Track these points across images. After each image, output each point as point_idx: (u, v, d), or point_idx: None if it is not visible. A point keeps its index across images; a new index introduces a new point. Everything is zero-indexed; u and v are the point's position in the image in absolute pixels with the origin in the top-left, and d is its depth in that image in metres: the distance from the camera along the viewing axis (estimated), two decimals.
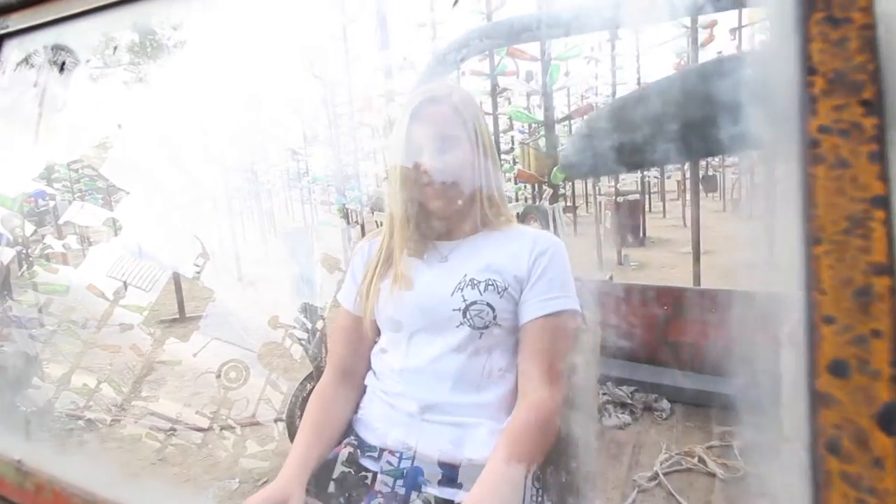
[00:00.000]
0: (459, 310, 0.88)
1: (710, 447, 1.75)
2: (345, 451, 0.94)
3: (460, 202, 0.93)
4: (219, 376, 3.05)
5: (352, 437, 0.96)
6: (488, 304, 0.88)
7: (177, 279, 5.07)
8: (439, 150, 0.90)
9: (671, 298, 2.24)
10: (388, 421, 0.93)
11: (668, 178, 10.57)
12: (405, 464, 0.89)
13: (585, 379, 1.05)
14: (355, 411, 1.00)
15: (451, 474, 0.87)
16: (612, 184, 6.15)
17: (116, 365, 3.72)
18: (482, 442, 0.87)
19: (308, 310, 2.31)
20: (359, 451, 0.93)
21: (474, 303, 0.88)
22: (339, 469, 0.92)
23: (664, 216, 10.54)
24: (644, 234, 7.25)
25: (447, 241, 0.97)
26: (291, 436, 2.24)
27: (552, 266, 0.90)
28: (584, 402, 1.04)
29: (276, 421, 2.94)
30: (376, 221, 9.92)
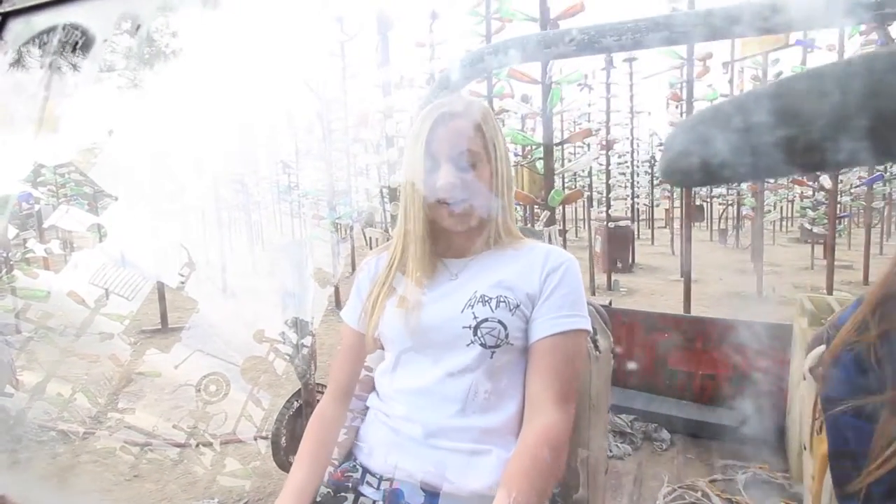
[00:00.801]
0: (470, 327, 0.84)
1: (712, 481, 1.71)
2: (343, 478, 0.89)
3: (476, 221, 0.90)
4: (199, 390, 2.96)
5: (351, 462, 0.92)
6: (500, 322, 0.84)
7: (160, 289, 4.96)
8: (457, 167, 0.87)
9: (671, 326, 2.22)
10: (390, 446, 0.87)
11: (657, 206, 10.72)
12: (405, 492, 0.84)
13: (597, 408, 1.01)
14: (356, 434, 0.95)
15: None
16: (604, 209, 6.19)
17: (94, 375, 3.60)
18: (490, 471, 0.82)
19: (298, 324, 2.24)
20: (358, 477, 0.89)
21: (485, 320, 0.84)
22: (337, 499, 0.87)
23: (652, 243, 10.66)
24: (633, 260, 7.29)
25: (458, 259, 0.93)
26: (276, 454, 2.16)
27: (564, 283, 0.87)
28: (596, 432, 1.00)
29: (255, 438, 2.85)
30: (366, 237, 9.88)
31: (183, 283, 3.67)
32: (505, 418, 0.85)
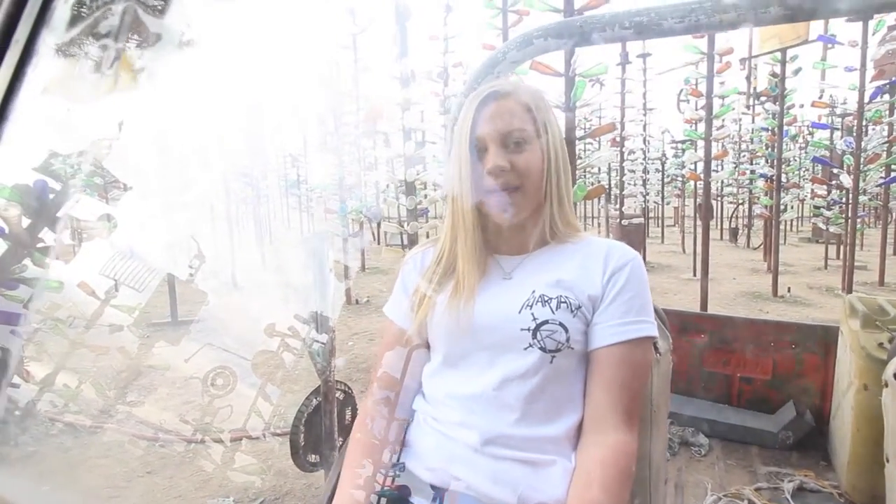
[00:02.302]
0: (529, 329, 0.78)
1: (758, 489, 1.64)
2: (392, 488, 0.82)
3: (527, 211, 0.83)
4: (208, 383, 2.91)
5: (398, 470, 0.85)
6: (561, 324, 0.77)
7: (171, 281, 4.92)
8: (505, 148, 0.81)
9: (708, 326, 2.15)
10: (444, 455, 0.81)
11: (668, 204, 10.63)
12: None
13: (658, 415, 0.95)
14: (402, 440, 0.89)
15: None
16: (618, 206, 6.11)
17: (102, 367, 3.56)
18: (557, 483, 0.76)
19: (319, 320, 2.18)
20: (409, 487, 0.82)
21: (546, 322, 0.77)
22: None
23: (662, 242, 10.58)
24: (645, 258, 7.22)
25: (511, 256, 0.87)
26: (295, 454, 2.11)
27: (630, 285, 0.80)
28: (656, 441, 0.94)
29: (264, 434, 2.81)
30: (374, 232, 9.82)
31: (192, 275, 3.63)
32: (566, 428, 0.79)
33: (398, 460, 0.86)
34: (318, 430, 2.17)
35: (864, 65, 4.16)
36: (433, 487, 0.81)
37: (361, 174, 6.79)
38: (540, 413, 0.78)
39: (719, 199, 10.69)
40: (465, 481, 0.78)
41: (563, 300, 0.79)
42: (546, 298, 0.79)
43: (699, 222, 8.61)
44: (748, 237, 9.67)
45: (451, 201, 0.87)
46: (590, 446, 0.77)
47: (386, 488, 0.83)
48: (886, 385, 1.02)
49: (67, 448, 2.75)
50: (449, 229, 0.88)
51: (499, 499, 0.76)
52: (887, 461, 1.06)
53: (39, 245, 2.79)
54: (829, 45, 5.44)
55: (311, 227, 10.34)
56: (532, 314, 0.78)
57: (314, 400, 2.21)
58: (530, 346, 0.78)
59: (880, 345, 1.54)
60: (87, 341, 3.28)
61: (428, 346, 0.89)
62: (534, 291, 0.80)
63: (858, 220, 6.23)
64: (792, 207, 8.29)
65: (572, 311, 0.78)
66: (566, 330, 0.77)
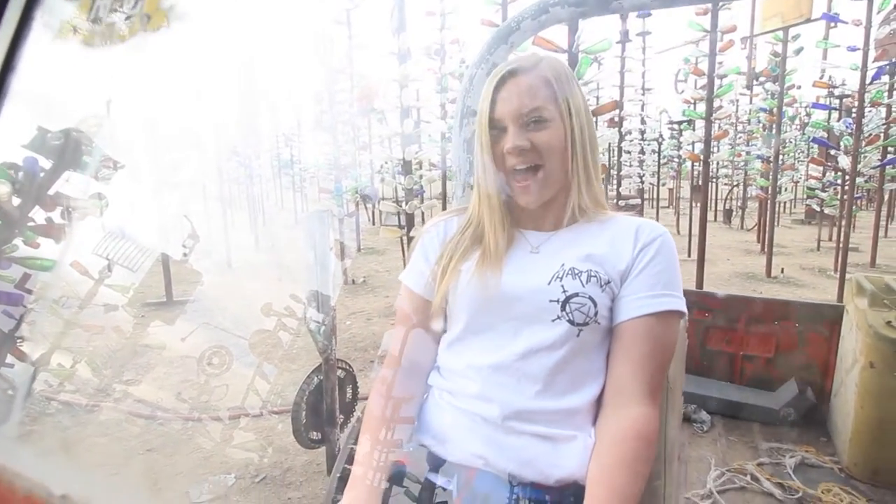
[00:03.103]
0: (558, 301, 0.76)
1: (760, 464, 1.66)
2: (408, 464, 0.81)
3: (552, 191, 0.81)
4: (205, 362, 2.90)
5: (413, 445, 0.84)
6: (591, 298, 0.76)
7: (165, 261, 4.86)
8: (524, 127, 0.78)
9: (711, 304, 2.15)
10: (462, 430, 0.79)
11: (663, 184, 10.62)
12: (484, 482, 0.76)
13: (673, 392, 0.94)
14: (418, 414, 0.87)
15: (538, 496, 0.75)
16: (615, 187, 6.09)
17: (97, 347, 3.54)
18: (577, 458, 0.75)
19: (319, 299, 2.16)
20: (426, 463, 0.81)
21: (576, 294, 0.76)
22: (403, 486, 0.80)
23: (657, 223, 10.59)
24: None
25: (538, 232, 0.85)
26: (297, 431, 2.10)
27: (659, 259, 0.78)
28: (672, 418, 0.94)
29: (263, 412, 2.81)
30: (368, 210, 9.75)
31: (186, 255, 3.58)
32: (586, 401, 0.78)
33: (414, 436, 0.85)
34: (320, 407, 2.17)
35: (867, 44, 4.12)
36: (451, 464, 0.80)
37: (356, 153, 6.70)
38: (562, 385, 0.77)
39: (714, 180, 10.68)
40: (485, 458, 0.77)
41: (593, 274, 0.77)
42: (576, 272, 0.78)
43: (695, 203, 8.64)
44: (742, 219, 9.70)
45: (476, 181, 0.86)
46: (611, 418, 0.76)
47: (403, 465, 0.82)
48: None
49: (65, 427, 2.73)
50: (476, 205, 0.86)
51: (519, 475, 0.76)
52: None
53: (30, 224, 2.73)
54: (832, 24, 5.37)
55: (305, 207, 10.25)
56: (562, 286, 0.77)
57: (315, 378, 2.20)
58: (558, 318, 0.76)
59: (888, 323, 1.54)
60: (81, 321, 3.25)
61: (445, 318, 0.87)
62: (563, 264, 0.79)
63: (854, 203, 6.25)
64: (786, 189, 8.30)
65: (602, 286, 0.77)
66: (595, 304, 0.76)
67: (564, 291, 0.76)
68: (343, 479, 0.92)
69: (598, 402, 0.79)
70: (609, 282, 0.77)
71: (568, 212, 0.83)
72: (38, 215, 2.88)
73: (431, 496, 0.78)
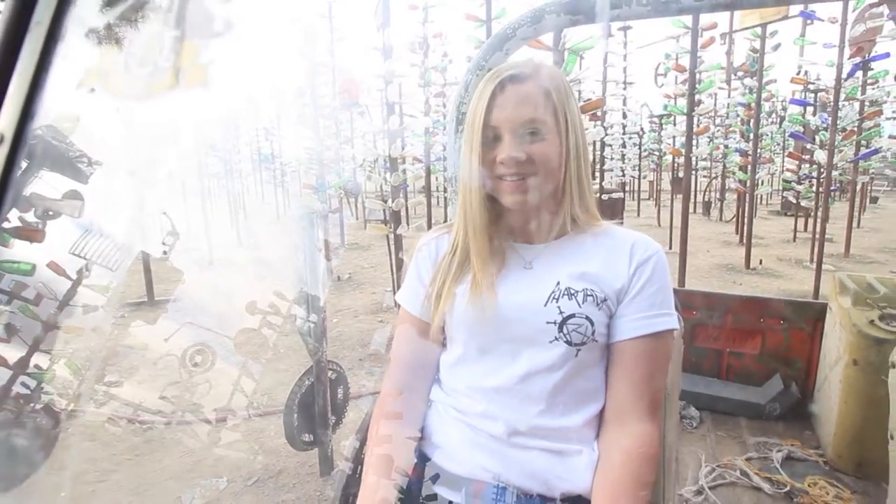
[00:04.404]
0: (555, 323, 0.76)
1: (748, 459, 1.70)
2: (415, 478, 0.81)
3: (542, 198, 0.80)
4: (191, 363, 2.87)
5: (418, 460, 0.84)
6: (587, 318, 0.76)
7: (145, 260, 4.76)
8: (520, 138, 0.77)
9: (698, 303, 2.19)
10: (469, 444, 0.80)
11: (645, 177, 10.75)
12: (492, 494, 0.77)
13: (671, 396, 0.96)
14: (420, 431, 0.87)
15: None
16: (598, 181, 6.14)
17: (77, 348, 3.46)
18: (581, 473, 0.76)
19: (309, 300, 2.14)
20: (433, 478, 0.81)
21: (572, 315, 0.76)
22: (415, 498, 0.80)
23: (638, 215, 10.73)
24: None
25: (530, 245, 0.84)
26: (289, 434, 2.09)
27: (655, 278, 0.79)
28: (670, 421, 0.96)
29: (248, 413, 2.80)
30: (352, 207, 9.69)
31: (167, 252, 3.52)
32: (588, 417, 0.79)
33: (420, 451, 0.85)
34: (312, 410, 2.16)
35: (842, 41, 4.21)
36: (459, 477, 0.80)
37: (339, 148, 6.64)
38: (563, 404, 0.78)
39: (694, 172, 10.85)
40: (493, 471, 0.77)
41: (588, 293, 0.77)
42: (572, 291, 0.78)
43: (676, 196, 8.75)
44: (721, 210, 9.87)
45: (462, 188, 0.84)
46: (614, 436, 0.77)
47: (410, 478, 0.82)
48: (893, 366, 1.06)
49: (50, 431, 2.67)
50: (461, 219, 0.84)
51: (526, 488, 0.76)
52: (892, 438, 1.10)
53: (5, 225, 2.65)
54: (809, 21, 5.48)
55: (287, 202, 10.13)
56: (559, 307, 0.77)
57: (307, 381, 2.19)
58: (556, 339, 0.76)
59: (871, 322, 1.59)
60: (60, 323, 3.17)
61: (444, 336, 0.88)
62: (558, 283, 0.78)
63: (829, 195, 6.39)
64: (764, 182, 8.46)
65: (598, 305, 0.77)
66: (592, 323, 0.76)
67: (561, 313, 0.76)
68: (345, 500, 0.92)
69: (600, 416, 0.80)
70: (605, 300, 0.78)
71: (560, 223, 0.83)
72: (13, 216, 2.79)
73: None
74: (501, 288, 0.80)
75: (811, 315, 2.02)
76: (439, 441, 0.83)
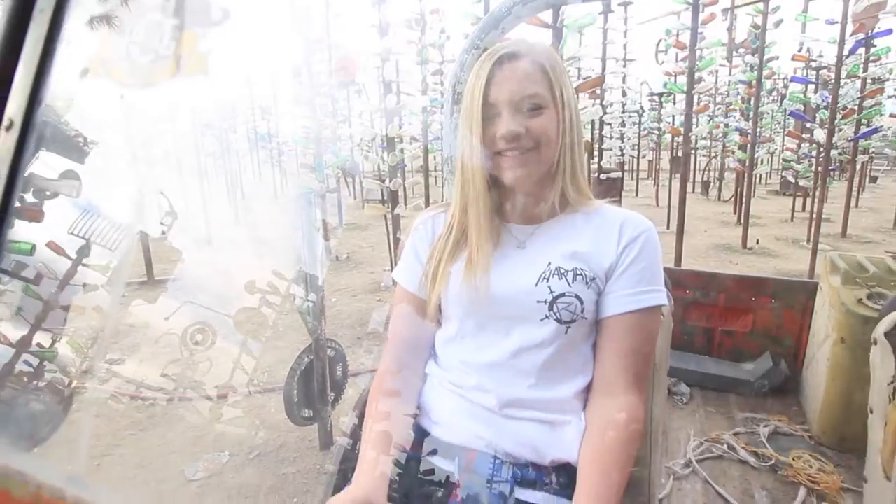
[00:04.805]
0: (545, 302, 0.79)
1: (736, 434, 1.75)
2: (411, 448, 0.85)
3: (540, 175, 0.83)
4: (192, 342, 2.91)
5: (415, 429, 0.87)
6: (577, 297, 0.79)
7: (144, 240, 4.78)
8: (519, 113, 0.79)
9: (691, 281, 2.22)
10: (463, 415, 0.84)
11: (643, 157, 10.69)
12: (485, 462, 0.81)
13: (659, 371, 0.99)
14: (417, 403, 0.91)
15: (535, 475, 0.80)
16: (597, 161, 6.12)
17: (78, 327, 3.50)
18: (570, 441, 0.80)
19: (308, 279, 2.17)
20: (432, 448, 0.85)
21: (562, 295, 0.79)
22: (411, 470, 0.84)
23: (637, 195, 10.71)
24: None
25: (524, 225, 0.87)
26: (290, 411, 2.14)
27: (643, 255, 0.81)
28: (658, 395, 0.99)
29: (249, 389, 2.84)
30: (350, 186, 9.66)
31: (165, 232, 3.53)
32: (577, 390, 0.82)
33: (417, 425, 0.89)
34: (311, 386, 2.21)
35: (845, 18, 4.16)
36: (453, 446, 0.83)
37: (335, 127, 6.60)
38: (553, 378, 0.81)
39: (693, 151, 10.79)
40: (486, 439, 0.81)
41: (578, 272, 0.80)
42: (562, 271, 0.80)
43: (674, 175, 8.71)
44: (719, 190, 9.86)
45: (460, 167, 0.85)
46: (601, 408, 0.80)
47: (406, 449, 0.85)
48: (875, 343, 1.09)
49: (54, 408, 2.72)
50: (459, 197, 0.86)
51: (518, 455, 0.80)
52: (871, 412, 1.14)
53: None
54: None
55: (284, 181, 10.09)
56: (549, 287, 0.79)
57: (306, 358, 2.23)
58: (546, 317, 0.79)
59: (859, 300, 1.62)
60: (61, 301, 3.20)
61: (440, 312, 0.90)
62: (549, 263, 0.81)
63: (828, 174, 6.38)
64: (763, 162, 8.43)
65: (587, 283, 0.80)
66: (581, 301, 0.79)
67: (552, 292, 0.79)
68: (343, 473, 0.95)
69: (588, 389, 0.83)
70: (594, 278, 0.80)
71: (553, 202, 0.85)
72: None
73: (434, 477, 0.82)
74: (495, 268, 0.83)
75: (802, 294, 2.05)
76: (435, 412, 0.87)
